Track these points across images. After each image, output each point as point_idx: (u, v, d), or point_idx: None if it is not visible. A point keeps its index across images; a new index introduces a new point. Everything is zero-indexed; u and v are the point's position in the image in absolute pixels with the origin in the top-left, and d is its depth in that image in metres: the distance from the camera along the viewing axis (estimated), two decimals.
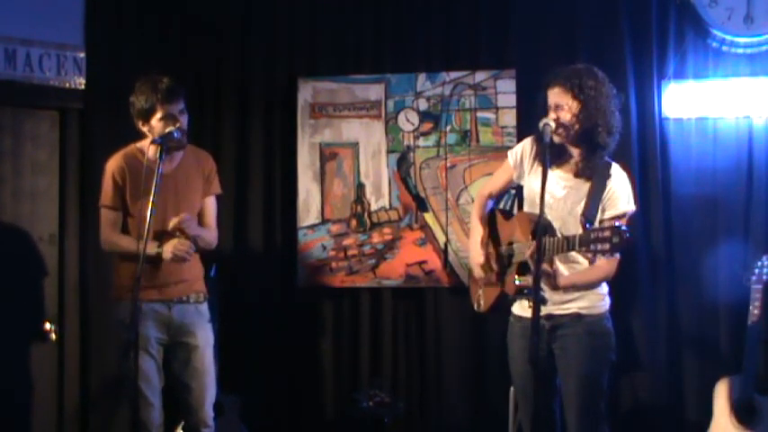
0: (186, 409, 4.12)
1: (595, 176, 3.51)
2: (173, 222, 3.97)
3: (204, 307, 4.16)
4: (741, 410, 4.23)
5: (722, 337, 4.61)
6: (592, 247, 3.14)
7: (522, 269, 3.47)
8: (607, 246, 3.09)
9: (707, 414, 4.32)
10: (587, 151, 3.53)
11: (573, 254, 3.52)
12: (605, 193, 3.50)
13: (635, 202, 3.62)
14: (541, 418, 3.57)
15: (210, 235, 4.18)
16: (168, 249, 3.95)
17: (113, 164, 4.08)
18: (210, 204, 4.21)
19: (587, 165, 3.53)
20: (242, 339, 4.90)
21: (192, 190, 4.13)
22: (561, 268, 3.51)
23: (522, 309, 3.64)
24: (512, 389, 4.26)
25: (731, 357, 4.47)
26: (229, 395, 4.71)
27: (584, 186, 3.52)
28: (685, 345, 4.68)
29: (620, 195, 3.53)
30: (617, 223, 3.16)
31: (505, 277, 3.60)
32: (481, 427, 4.88)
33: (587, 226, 3.37)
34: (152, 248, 3.88)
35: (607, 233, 3.10)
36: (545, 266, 3.32)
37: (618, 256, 3.41)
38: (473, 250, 3.77)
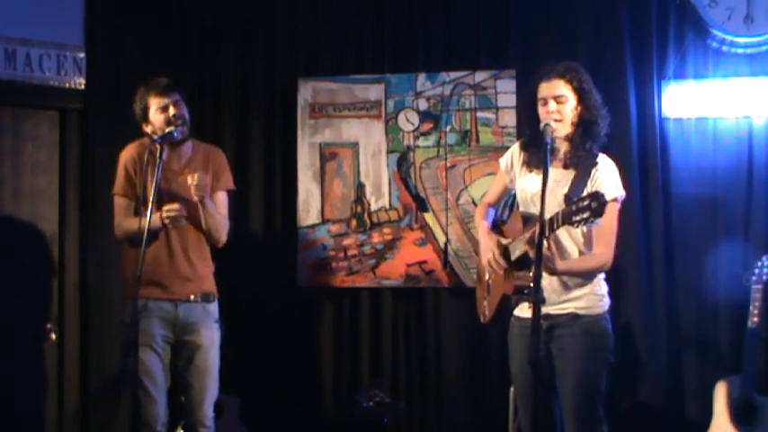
0: (186, 408, 4.12)
1: (581, 165, 3.52)
2: (191, 179, 3.92)
3: (212, 307, 4.14)
4: (741, 411, 4.23)
5: (722, 337, 4.60)
6: (574, 218, 3.14)
7: (520, 265, 3.46)
8: (588, 213, 3.09)
9: (707, 414, 4.31)
10: (576, 143, 3.54)
11: (566, 248, 3.52)
12: (592, 181, 3.50)
13: (624, 189, 3.60)
14: (541, 418, 3.56)
15: (221, 220, 4.10)
16: (158, 217, 3.85)
17: (126, 154, 4.11)
18: (220, 199, 4.17)
19: (575, 154, 3.54)
20: (242, 339, 4.89)
21: None
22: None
23: (521, 309, 3.63)
24: (512, 389, 4.25)
25: (731, 357, 4.47)
26: (229, 395, 4.71)
27: (571, 175, 3.53)
28: (685, 345, 4.68)
29: (607, 183, 3.52)
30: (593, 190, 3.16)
31: (505, 278, 3.59)
32: (481, 427, 4.87)
33: None
34: (155, 220, 3.80)
35: (585, 201, 3.10)
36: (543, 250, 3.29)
37: (600, 223, 3.26)
38: (483, 244, 3.72)
